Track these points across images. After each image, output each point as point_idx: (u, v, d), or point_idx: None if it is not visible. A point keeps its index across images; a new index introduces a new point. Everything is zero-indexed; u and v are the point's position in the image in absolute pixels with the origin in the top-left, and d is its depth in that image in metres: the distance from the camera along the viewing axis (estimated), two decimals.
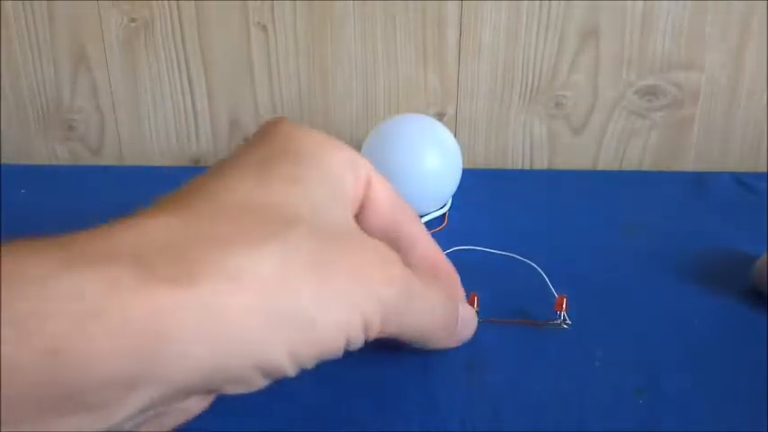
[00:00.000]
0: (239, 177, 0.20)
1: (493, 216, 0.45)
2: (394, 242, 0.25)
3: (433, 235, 0.42)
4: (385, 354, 0.31)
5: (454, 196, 0.46)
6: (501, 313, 0.33)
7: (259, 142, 0.22)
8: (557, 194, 0.50)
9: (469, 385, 0.29)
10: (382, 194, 0.24)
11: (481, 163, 0.56)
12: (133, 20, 0.53)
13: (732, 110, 0.54)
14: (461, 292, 0.28)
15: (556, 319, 0.32)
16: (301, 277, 0.18)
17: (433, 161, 0.42)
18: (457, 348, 0.30)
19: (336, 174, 0.22)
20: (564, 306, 0.32)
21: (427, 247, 0.26)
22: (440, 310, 0.24)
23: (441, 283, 0.26)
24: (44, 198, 0.49)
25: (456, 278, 0.27)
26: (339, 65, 0.53)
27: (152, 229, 0.18)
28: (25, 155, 0.58)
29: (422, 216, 0.44)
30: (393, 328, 0.22)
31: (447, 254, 0.29)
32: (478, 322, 0.30)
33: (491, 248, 0.37)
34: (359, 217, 0.24)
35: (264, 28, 0.53)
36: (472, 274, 0.31)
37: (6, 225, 0.44)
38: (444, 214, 0.45)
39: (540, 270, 0.34)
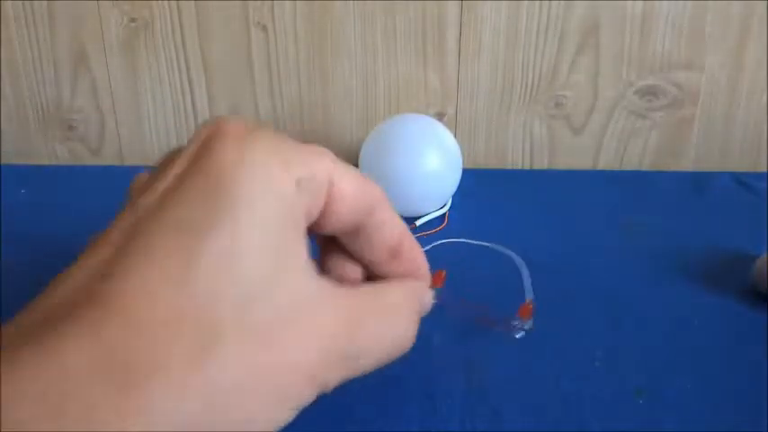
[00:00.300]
0: (160, 268, 0.17)
1: (493, 216, 0.45)
2: (359, 229, 0.24)
3: (433, 235, 0.43)
4: None
5: (454, 196, 0.46)
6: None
7: (187, 184, 0.18)
8: (557, 194, 0.50)
9: (469, 385, 0.29)
10: (347, 190, 0.21)
11: (481, 163, 0.56)
12: (133, 20, 0.53)
13: (732, 110, 0.54)
14: (425, 271, 0.26)
15: (516, 324, 0.30)
16: (229, 401, 0.17)
17: (433, 161, 0.42)
18: (457, 349, 0.30)
19: (284, 208, 0.19)
20: (528, 314, 0.30)
21: (392, 228, 0.23)
22: (397, 332, 0.23)
23: (396, 290, 0.24)
24: (44, 198, 0.49)
25: (419, 257, 0.25)
26: (339, 65, 0.53)
27: (62, 377, 0.15)
28: (25, 155, 0.58)
29: (422, 216, 0.44)
30: (338, 383, 0.20)
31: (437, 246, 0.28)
32: (439, 305, 0.29)
33: (490, 249, 0.37)
34: (321, 220, 0.22)
35: (264, 28, 0.53)
36: (457, 270, 0.31)
37: (6, 225, 0.44)
38: (444, 214, 0.45)
39: (520, 264, 0.33)
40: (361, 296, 0.22)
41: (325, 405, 0.28)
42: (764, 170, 0.54)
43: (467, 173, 0.46)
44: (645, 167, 0.56)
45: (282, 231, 0.19)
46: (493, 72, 0.53)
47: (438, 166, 0.43)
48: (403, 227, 0.24)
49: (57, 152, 0.58)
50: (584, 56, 0.52)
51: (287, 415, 0.19)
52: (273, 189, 0.19)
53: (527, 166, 0.56)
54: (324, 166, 0.21)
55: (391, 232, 0.24)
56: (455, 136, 0.47)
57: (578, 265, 0.38)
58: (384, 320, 0.22)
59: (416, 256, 0.25)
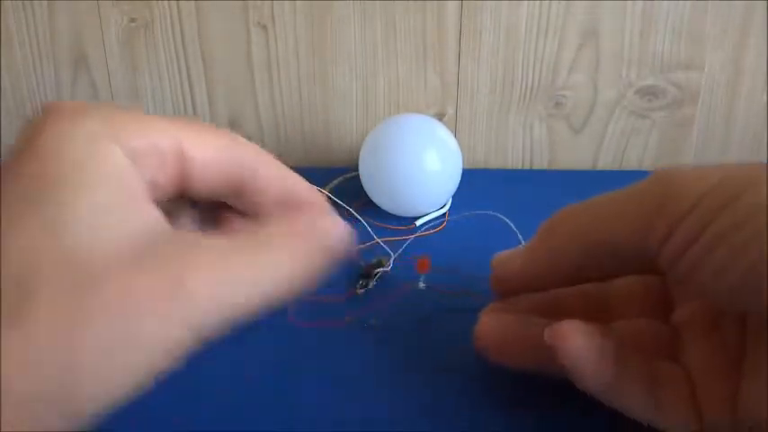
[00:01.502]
0: None
1: (493, 216, 0.45)
2: (240, 190, 0.22)
3: (433, 235, 0.43)
4: (385, 353, 0.31)
5: (454, 196, 0.46)
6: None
7: (20, 160, 0.19)
8: (557, 194, 0.49)
9: (470, 385, 0.29)
10: (205, 156, 0.21)
11: (481, 163, 0.56)
12: (133, 20, 0.53)
13: (732, 110, 0.54)
14: (323, 207, 0.24)
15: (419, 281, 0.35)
16: (57, 356, 0.17)
17: (433, 161, 0.42)
18: (458, 348, 0.30)
19: (115, 178, 0.19)
20: (426, 267, 0.34)
21: (276, 182, 0.22)
22: (277, 268, 0.21)
23: (275, 224, 0.22)
24: None
25: (312, 197, 0.24)
26: (339, 65, 0.53)
27: None
28: None
29: (422, 216, 0.44)
30: (216, 326, 0.19)
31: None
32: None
33: (490, 249, 0.37)
34: (184, 187, 0.21)
35: (264, 28, 0.53)
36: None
37: None
38: (444, 214, 0.45)
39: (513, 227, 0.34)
40: (227, 238, 0.21)
41: (325, 405, 0.28)
42: None
43: (467, 173, 0.46)
44: (645, 167, 0.56)
45: (115, 198, 0.19)
46: (493, 72, 0.53)
47: (438, 166, 0.43)
48: (291, 178, 0.23)
49: None
50: (584, 56, 0.52)
51: (158, 362, 0.18)
52: (101, 159, 0.19)
53: (527, 166, 0.56)
54: (169, 135, 0.20)
55: (277, 185, 0.22)
56: (455, 136, 0.47)
57: None
58: (258, 255, 0.20)
59: (312, 200, 0.23)
